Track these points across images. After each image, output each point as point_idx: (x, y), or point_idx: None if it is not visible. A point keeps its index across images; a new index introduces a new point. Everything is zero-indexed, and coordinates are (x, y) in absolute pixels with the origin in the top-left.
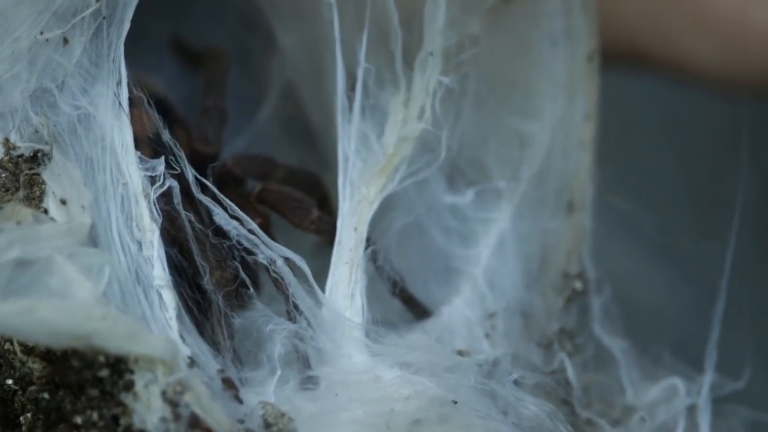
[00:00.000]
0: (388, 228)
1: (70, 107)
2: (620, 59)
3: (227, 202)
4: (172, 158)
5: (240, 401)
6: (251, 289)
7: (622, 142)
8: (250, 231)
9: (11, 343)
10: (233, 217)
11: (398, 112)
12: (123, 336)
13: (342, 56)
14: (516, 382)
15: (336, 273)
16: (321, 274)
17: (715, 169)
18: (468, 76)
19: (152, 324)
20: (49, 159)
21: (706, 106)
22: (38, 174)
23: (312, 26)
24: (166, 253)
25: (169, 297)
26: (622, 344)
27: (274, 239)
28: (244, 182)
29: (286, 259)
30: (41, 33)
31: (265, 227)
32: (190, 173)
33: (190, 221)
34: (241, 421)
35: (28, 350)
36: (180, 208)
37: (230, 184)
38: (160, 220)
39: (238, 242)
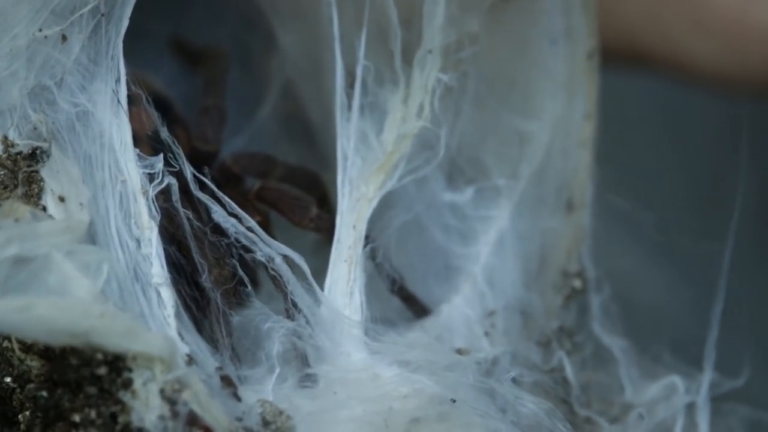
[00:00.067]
0: (387, 226)
1: (69, 104)
2: (620, 58)
3: (226, 199)
4: (171, 156)
5: (238, 399)
6: (250, 287)
7: (622, 142)
8: (249, 228)
9: (9, 340)
10: (232, 214)
11: (397, 110)
12: (121, 333)
13: (341, 54)
14: (515, 381)
15: (335, 271)
16: (320, 272)
17: (714, 169)
18: (467, 75)
19: (150, 322)
20: (48, 156)
21: (706, 106)
22: (37, 171)
23: (312, 25)
24: (165, 250)
25: (168, 294)
26: (622, 343)
27: (273, 237)
28: (243, 180)
29: (285, 257)
30: (40, 30)
31: (265, 225)
32: (188, 171)
33: (188, 219)
34: (240, 419)
35: (27, 348)
36: (178, 205)
37: (230, 182)
38: (158, 218)
39: (237, 240)
